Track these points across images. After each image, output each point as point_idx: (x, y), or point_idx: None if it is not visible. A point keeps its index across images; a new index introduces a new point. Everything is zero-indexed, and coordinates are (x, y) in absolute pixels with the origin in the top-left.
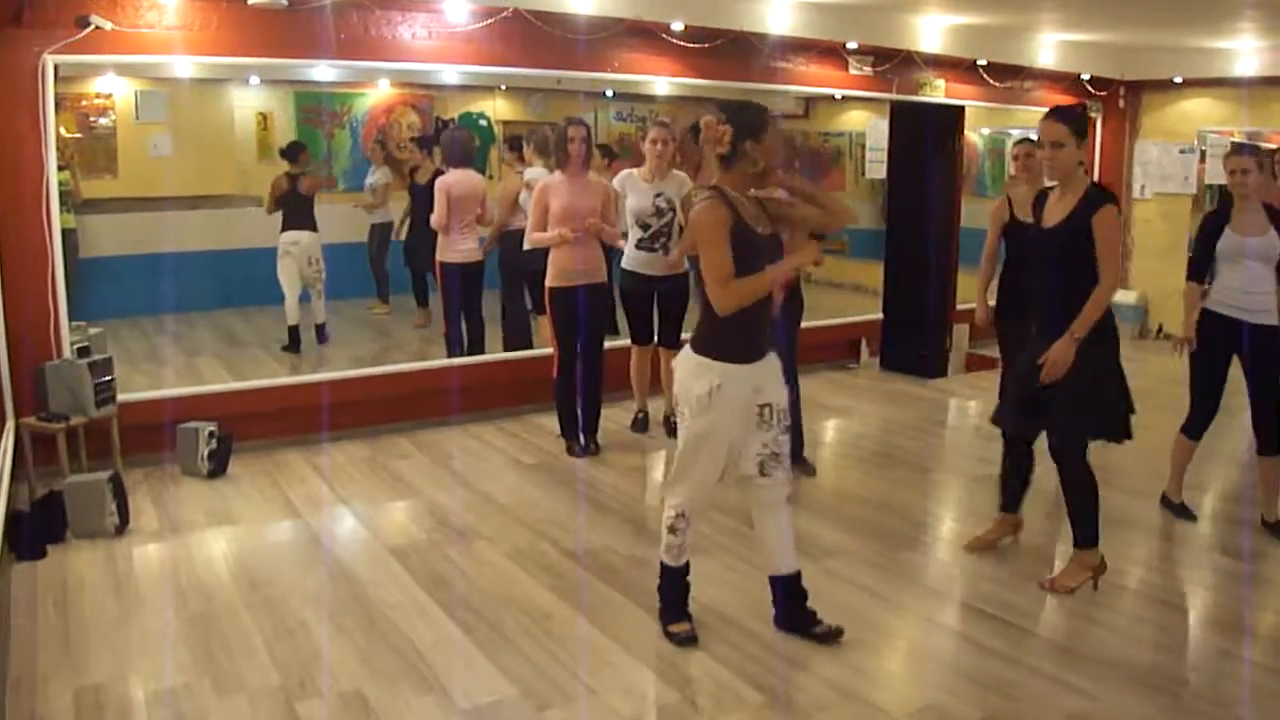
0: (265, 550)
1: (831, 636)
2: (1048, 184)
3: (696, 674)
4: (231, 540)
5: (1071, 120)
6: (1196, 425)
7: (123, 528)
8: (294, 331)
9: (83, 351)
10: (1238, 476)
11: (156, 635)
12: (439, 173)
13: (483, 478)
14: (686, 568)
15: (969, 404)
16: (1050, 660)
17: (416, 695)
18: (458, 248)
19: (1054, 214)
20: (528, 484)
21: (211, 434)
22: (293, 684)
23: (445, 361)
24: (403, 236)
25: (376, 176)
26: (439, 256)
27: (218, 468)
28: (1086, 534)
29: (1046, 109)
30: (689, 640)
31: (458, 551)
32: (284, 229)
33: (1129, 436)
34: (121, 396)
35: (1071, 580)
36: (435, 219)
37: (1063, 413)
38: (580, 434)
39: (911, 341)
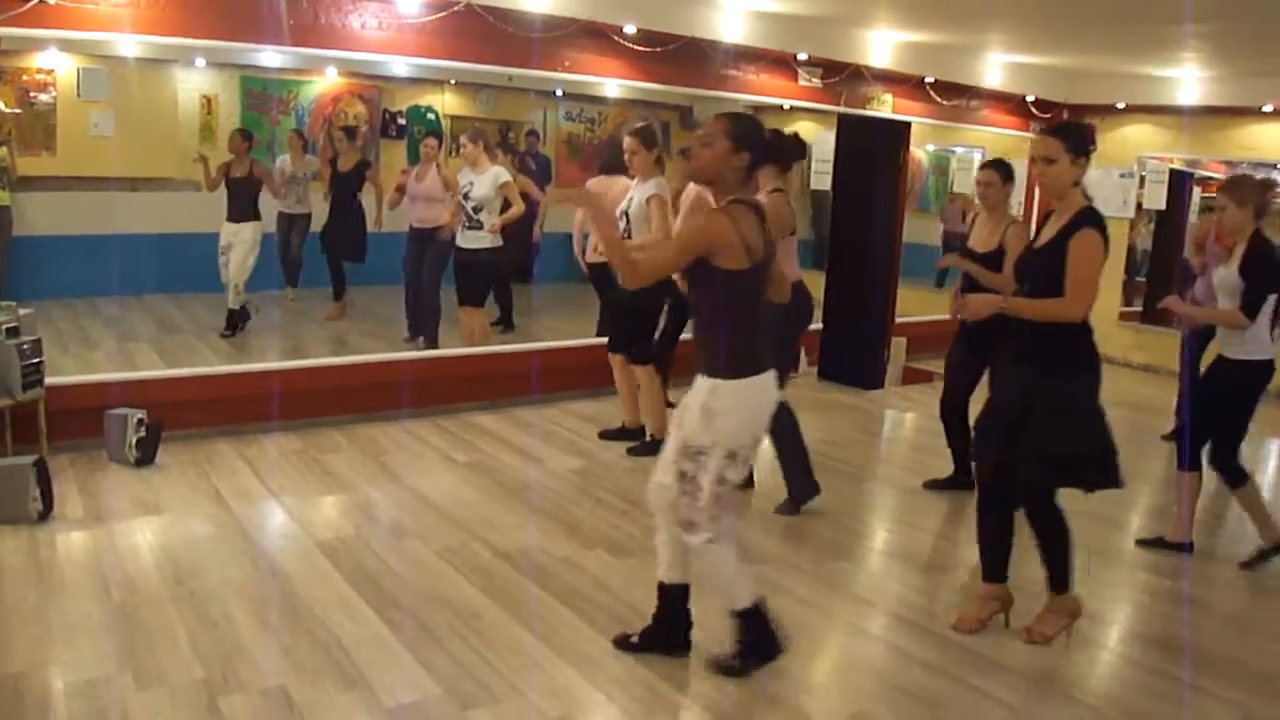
0: (191, 542)
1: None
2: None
3: (624, 677)
4: (157, 530)
5: (1066, 135)
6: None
7: (46, 514)
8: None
9: (11, 332)
10: (1168, 498)
11: (78, 625)
12: (363, 162)
13: (416, 474)
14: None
15: (905, 416)
16: (976, 671)
17: (340, 692)
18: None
19: (1045, 235)
20: (461, 482)
21: (140, 421)
22: (215, 678)
23: (381, 356)
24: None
25: (305, 165)
26: None
27: (146, 456)
28: (1061, 579)
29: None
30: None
31: (387, 548)
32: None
33: (1117, 484)
34: (50, 380)
35: (1049, 629)
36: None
37: (1032, 447)
38: None
39: (850, 352)
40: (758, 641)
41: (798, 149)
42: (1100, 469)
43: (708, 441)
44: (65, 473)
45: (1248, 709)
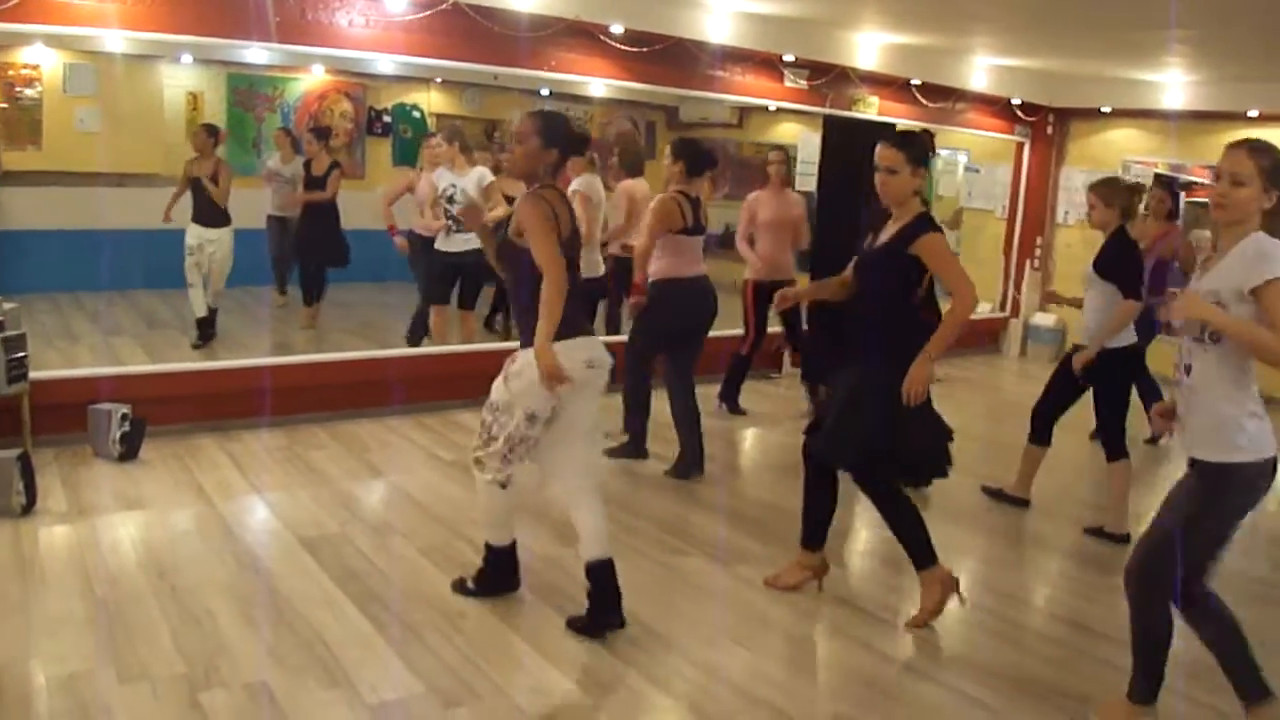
0: (174, 537)
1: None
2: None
3: (606, 677)
4: (140, 525)
5: (907, 147)
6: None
7: (29, 508)
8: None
9: None
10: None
11: (60, 619)
12: (335, 165)
13: (399, 472)
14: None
15: None
16: (956, 673)
17: (323, 689)
18: None
19: (883, 237)
20: (445, 480)
21: (124, 416)
22: (197, 673)
23: (366, 353)
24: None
25: (291, 167)
26: None
27: (129, 451)
28: (919, 557)
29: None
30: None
31: (371, 545)
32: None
33: (940, 475)
34: (34, 374)
35: (929, 601)
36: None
37: (852, 435)
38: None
39: (834, 354)
40: (498, 575)
41: (708, 158)
42: (918, 465)
43: (505, 399)
44: (49, 467)
45: (1227, 716)
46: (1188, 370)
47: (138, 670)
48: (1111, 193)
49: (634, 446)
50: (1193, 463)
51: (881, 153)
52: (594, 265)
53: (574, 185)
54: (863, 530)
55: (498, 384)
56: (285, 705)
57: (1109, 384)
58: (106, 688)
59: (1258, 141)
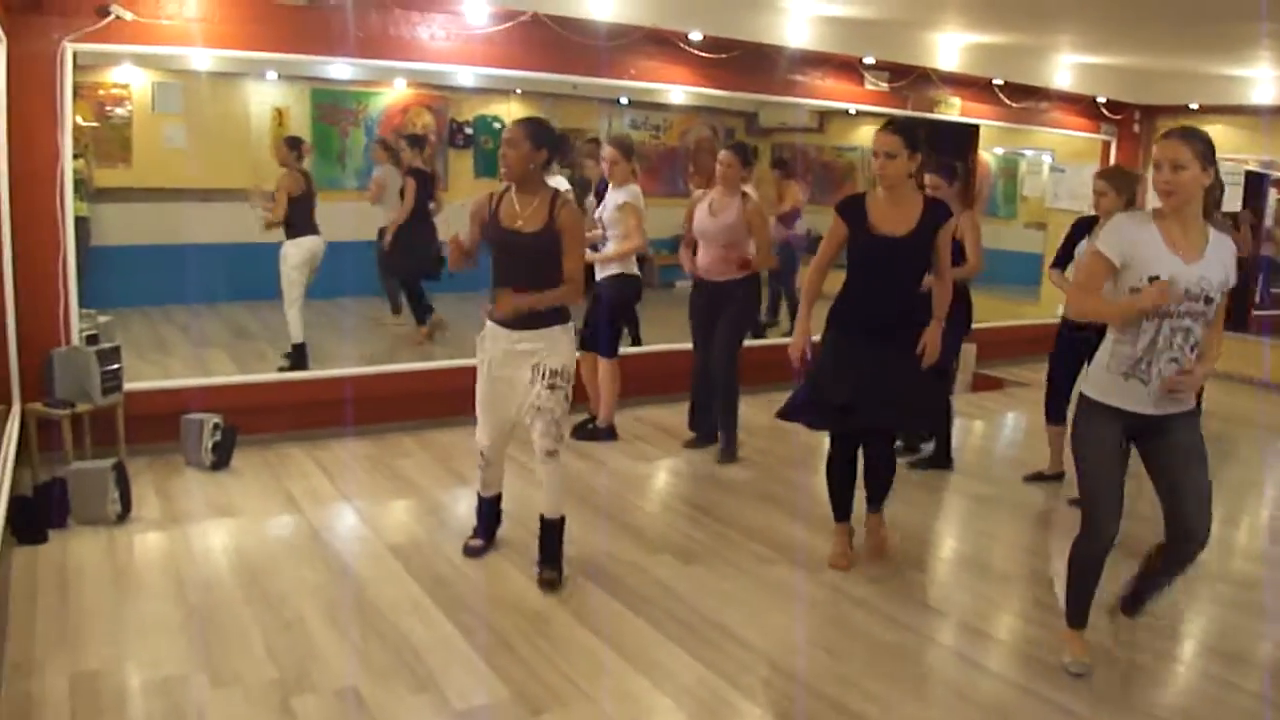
0: (265, 544)
1: (547, 585)
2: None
3: (691, 683)
4: (232, 533)
5: (904, 133)
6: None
7: (124, 516)
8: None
9: (91, 339)
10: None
11: (154, 624)
12: (409, 172)
13: None
14: (495, 498)
15: (974, 424)
16: (1047, 683)
17: (411, 694)
18: None
19: (894, 223)
20: (529, 486)
21: (216, 426)
22: (289, 678)
23: (451, 362)
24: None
25: (381, 172)
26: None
27: (221, 460)
28: (879, 501)
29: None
30: (474, 551)
31: (457, 552)
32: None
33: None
34: (128, 385)
35: (883, 549)
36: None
37: (938, 401)
38: None
39: None
40: (559, 550)
41: (751, 153)
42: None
43: (569, 363)
44: (143, 475)
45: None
46: (1193, 347)
47: (230, 675)
48: (1122, 181)
49: (731, 451)
50: (1182, 417)
51: (881, 139)
52: (632, 264)
53: (622, 196)
54: (947, 537)
55: (565, 356)
56: (374, 710)
57: (1070, 354)
58: (200, 692)
59: (1188, 128)
